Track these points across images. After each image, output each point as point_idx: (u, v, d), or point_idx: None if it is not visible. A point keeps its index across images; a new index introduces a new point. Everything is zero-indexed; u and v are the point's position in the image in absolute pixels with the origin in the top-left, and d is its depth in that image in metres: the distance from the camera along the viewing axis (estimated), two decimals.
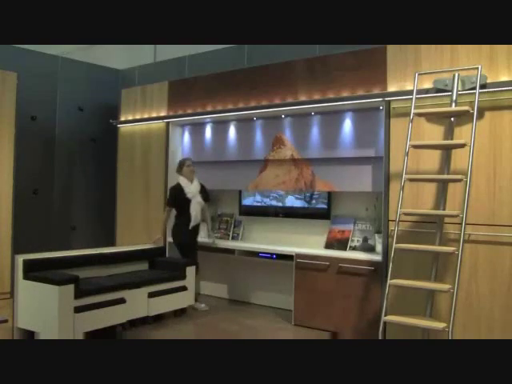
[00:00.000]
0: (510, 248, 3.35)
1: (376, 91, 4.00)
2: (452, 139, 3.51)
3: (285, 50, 4.70)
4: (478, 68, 3.36)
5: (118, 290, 4.06)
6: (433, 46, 3.67)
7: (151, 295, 4.34)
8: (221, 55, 5.75)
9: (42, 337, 3.73)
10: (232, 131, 5.24)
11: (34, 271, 3.88)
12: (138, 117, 5.81)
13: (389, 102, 3.88)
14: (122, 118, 5.97)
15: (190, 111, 5.32)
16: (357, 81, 4.14)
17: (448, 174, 3.47)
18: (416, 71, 3.67)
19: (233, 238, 5.41)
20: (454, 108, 3.47)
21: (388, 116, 3.89)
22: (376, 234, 4.34)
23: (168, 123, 5.49)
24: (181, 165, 4.99)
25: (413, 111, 3.56)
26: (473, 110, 3.32)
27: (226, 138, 5.27)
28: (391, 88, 3.91)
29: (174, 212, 5.04)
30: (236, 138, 5.21)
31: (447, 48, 3.61)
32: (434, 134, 3.67)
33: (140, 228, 5.70)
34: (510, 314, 3.34)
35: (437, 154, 3.66)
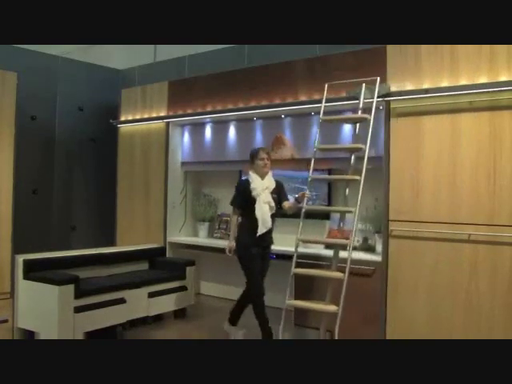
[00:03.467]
0: (509, 248, 3.35)
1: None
2: (357, 142, 3.81)
3: (285, 50, 4.70)
4: (377, 79, 3.75)
5: (117, 290, 4.07)
6: (433, 46, 3.67)
7: (151, 295, 4.35)
8: (221, 55, 5.75)
9: (42, 337, 3.73)
10: (232, 131, 5.24)
11: (34, 271, 3.88)
12: (137, 117, 5.81)
13: (389, 101, 3.88)
14: (122, 118, 5.97)
15: (190, 111, 5.32)
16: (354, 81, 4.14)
17: (350, 173, 3.76)
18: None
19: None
20: (354, 115, 3.90)
21: (388, 116, 3.89)
22: (376, 234, 4.34)
23: (168, 123, 5.49)
24: (252, 156, 3.94)
25: (321, 117, 3.94)
26: (370, 117, 3.70)
27: (226, 138, 5.27)
28: (391, 88, 3.90)
29: None
30: (236, 138, 5.21)
31: (447, 48, 3.62)
32: (433, 133, 3.67)
33: (140, 228, 5.69)
34: (510, 314, 3.34)
35: (435, 154, 3.66)
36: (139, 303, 4.25)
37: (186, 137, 5.63)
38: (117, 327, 4.09)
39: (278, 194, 3.95)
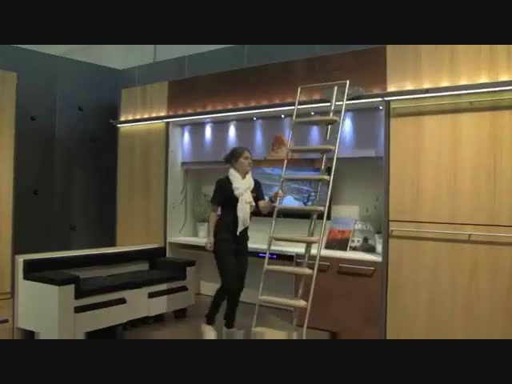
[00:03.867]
0: (510, 248, 3.35)
1: (376, 91, 4.00)
2: (326, 143, 3.85)
3: (285, 50, 4.69)
4: (346, 82, 3.78)
5: (118, 290, 4.07)
6: (433, 46, 3.67)
7: (151, 295, 4.34)
8: (221, 55, 5.74)
9: (42, 337, 3.73)
10: (232, 131, 5.24)
11: (34, 271, 3.88)
12: (138, 117, 5.80)
13: (389, 101, 3.88)
14: (122, 118, 5.96)
15: (190, 111, 5.32)
16: (357, 81, 4.14)
17: (320, 173, 3.82)
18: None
19: None
20: (324, 117, 3.96)
21: (388, 116, 3.89)
22: (376, 234, 4.34)
23: (168, 123, 5.49)
24: (236, 154, 3.99)
25: (294, 119, 4.00)
26: (339, 119, 3.77)
27: (226, 138, 5.27)
28: (391, 88, 3.91)
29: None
30: (236, 138, 5.21)
31: (447, 48, 3.62)
32: (433, 133, 3.67)
33: (140, 228, 5.69)
34: (510, 313, 3.34)
35: (435, 154, 3.66)
36: (139, 303, 4.25)
37: (186, 137, 5.63)
38: (117, 327, 4.09)
39: (256, 192, 4.05)
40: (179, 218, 5.65)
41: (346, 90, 3.82)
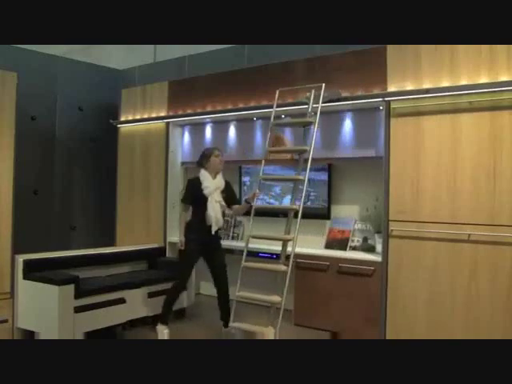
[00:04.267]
0: (510, 248, 3.35)
1: (376, 91, 4.00)
2: (305, 144, 3.92)
3: (285, 50, 4.69)
4: (322, 86, 3.87)
5: (117, 290, 4.07)
6: (433, 46, 3.67)
7: (151, 295, 4.35)
8: (221, 55, 5.74)
9: (42, 337, 3.73)
10: (232, 131, 5.24)
11: (34, 271, 3.88)
12: (138, 117, 5.80)
13: (389, 102, 3.88)
14: (122, 118, 5.96)
15: (190, 111, 5.32)
16: (357, 81, 4.14)
17: (297, 173, 3.86)
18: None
19: (233, 238, 5.41)
20: (301, 119, 4.06)
21: (388, 116, 3.89)
22: (376, 234, 4.34)
23: (168, 123, 5.48)
24: (207, 154, 4.12)
25: (271, 121, 4.08)
26: (314, 121, 3.85)
27: (226, 138, 5.27)
28: (391, 88, 3.90)
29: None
30: (236, 138, 5.21)
31: (447, 48, 3.62)
32: (433, 133, 3.67)
33: (140, 228, 5.69)
34: (510, 313, 3.34)
35: (435, 154, 3.66)
36: (139, 303, 4.25)
37: (186, 137, 5.63)
38: (116, 327, 4.09)
39: (227, 192, 4.15)
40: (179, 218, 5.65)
41: (322, 93, 3.88)
